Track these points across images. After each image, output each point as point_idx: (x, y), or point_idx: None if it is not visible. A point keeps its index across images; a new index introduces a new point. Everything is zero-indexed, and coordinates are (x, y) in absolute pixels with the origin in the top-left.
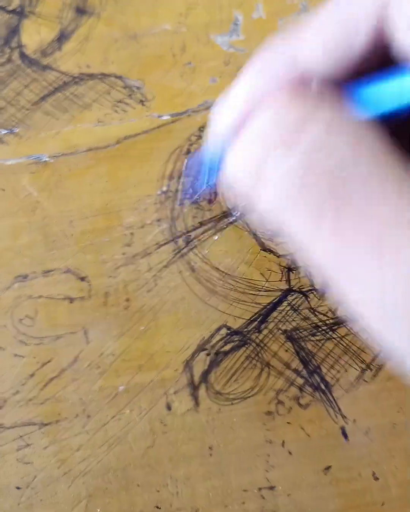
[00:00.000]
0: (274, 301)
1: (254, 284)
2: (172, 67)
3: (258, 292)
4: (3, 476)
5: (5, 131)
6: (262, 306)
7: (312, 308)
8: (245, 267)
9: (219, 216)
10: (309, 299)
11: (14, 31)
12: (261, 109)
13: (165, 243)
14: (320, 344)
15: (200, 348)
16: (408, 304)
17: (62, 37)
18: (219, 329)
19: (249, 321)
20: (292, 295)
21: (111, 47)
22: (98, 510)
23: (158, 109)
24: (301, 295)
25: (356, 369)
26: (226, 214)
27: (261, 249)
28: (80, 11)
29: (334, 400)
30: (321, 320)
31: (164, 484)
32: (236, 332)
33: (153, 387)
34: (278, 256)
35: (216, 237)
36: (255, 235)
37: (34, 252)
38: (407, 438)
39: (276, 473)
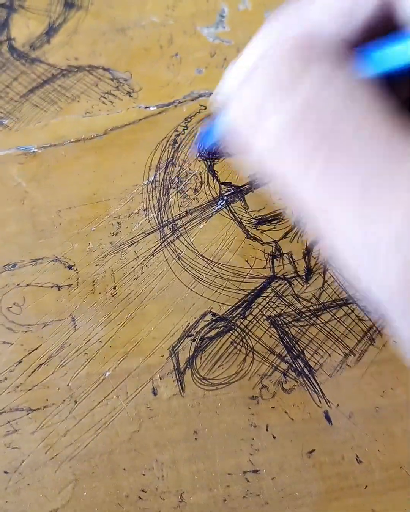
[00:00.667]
0: (258, 288)
1: (238, 271)
2: (159, 58)
3: (242, 279)
4: None
5: None
6: (246, 293)
7: (296, 294)
8: (230, 255)
9: (204, 205)
10: (292, 285)
11: (4, 24)
12: (264, 59)
13: (151, 232)
14: (304, 330)
15: (186, 334)
16: (390, 257)
17: (50, 30)
18: (204, 315)
19: (234, 307)
20: (276, 281)
21: (99, 39)
22: (85, 494)
23: (145, 100)
24: (285, 282)
25: (339, 354)
26: (212, 203)
27: (245, 237)
28: (69, 4)
29: (318, 384)
30: (304, 306)
31: (150, 468)
32: (221, 318)
33: (139, 372)
34: (263, 244)
35: (202, 226)
36: (240, 223)
37: (22, 241)
38: (390, 421)
39: (260, 456)
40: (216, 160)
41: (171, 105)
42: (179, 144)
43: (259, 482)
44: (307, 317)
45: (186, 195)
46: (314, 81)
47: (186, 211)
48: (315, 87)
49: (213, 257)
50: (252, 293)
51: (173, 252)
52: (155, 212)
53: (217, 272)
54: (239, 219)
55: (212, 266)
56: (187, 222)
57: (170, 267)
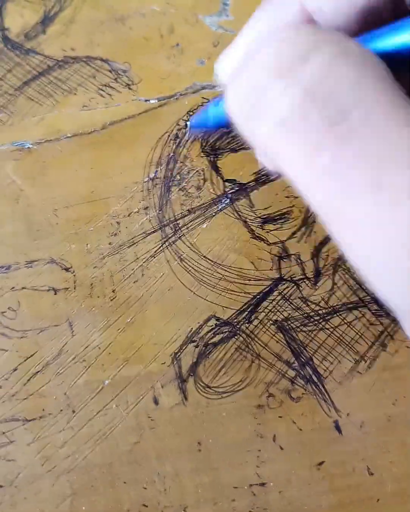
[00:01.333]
0: (264, 291)
1: (243, 273)
2: (159, 49)
3: (248, 281)
4: None
5: None
6: (252, 296)
7: (304, 298)
8: (234, 256)
9: (207, 203)
10: (300, 288)
11: None
12: (265, 42)
13: (152, 232)
14: (312, 335)
15: (189, 340)
16: (404, 247)
17: (46, 20)
18: (207, 320)
19: (239, 311)
20: (283, 284)
21: (97, 29)
22: (84, 508)
23: (145, 92)
24: (293, 284)
25: (349, 360)
26: (215, 201)
27: (251, 237)
28: None
29: (327, 393)
30: (313, 310)
31: (152, 481)
32: (225, 323)
33: (140, 380)
34: (269, 244)
35: (205, 225)
36: (245, 223)
37: (17, 241)
38: (402, 431)
39: (267, 468)
40: (219, 156)
41: (172, 98)
42: (181, 139)
43: (265, 495)
44: (316, 322)
45: (189, 193)
46: (320, 61)
47: (188, 209)
48: (322, 68)
49: (216, 258)
50: (258, 296)
51: (175, 253)
52: (156, 211)
53: (221, 274)
54: (243, 218)
55: (215, 268)
56: (190, 222)
57: (172, 269)
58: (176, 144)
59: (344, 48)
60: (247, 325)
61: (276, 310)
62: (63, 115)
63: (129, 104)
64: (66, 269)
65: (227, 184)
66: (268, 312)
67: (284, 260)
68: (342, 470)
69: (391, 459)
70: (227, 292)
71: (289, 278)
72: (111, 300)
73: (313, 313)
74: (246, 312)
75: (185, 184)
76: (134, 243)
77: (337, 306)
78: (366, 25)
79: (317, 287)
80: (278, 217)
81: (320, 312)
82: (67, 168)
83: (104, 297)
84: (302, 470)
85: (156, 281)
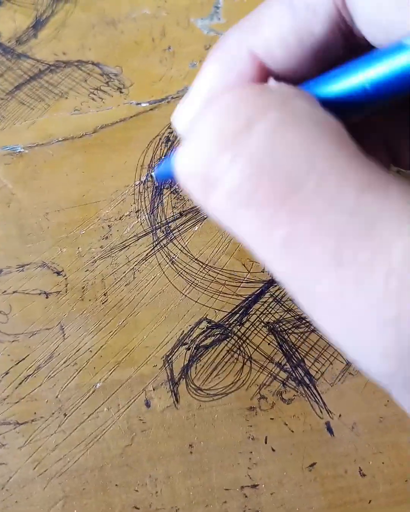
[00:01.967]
0: (256, 293)
1: (235, 275)
2: (151, 52)
3: (239, 283)
4: None
5: None
6: (243, 298)
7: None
8: (226, 258)
9: (199, 206)
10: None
11: None
12: (209, 108)
13: (143, 235)
14: (304, 337)
15: (180, 342)
16: (382, 327)
17: (37, 24)
18: (199, 322)
19: (230, 313)
20: (275, 286)
21: (88, 33)
22: (75, 511)
23: (137, 96)
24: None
25: (341, 361)
26: None
27: None
28: None
29: (319, 394)
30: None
31: (143, 484)
32: (217, 325)
33: (131, 383)
34: None
35: (196, 228)
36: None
37: (8, 245)
38: (394, 432)
39: (259, 470)
40: None
41: (164, 101)
42: (173, 142)
43: (257, 497)
44: (307, 323)
45: (180, 195)
46: (265, 130)
47: (180, 212)
48: (267, 137)
49: (208, 260)
50: (249, 299)
51: (166, 256)
52: (147, 214)
53: (213, 277)
54: None
55: (207, 271)
56: (181, 224)
57: (164, 272)
58: (168, 147)
59: (290, 110)
60: (238, 327)
61: (267, 312)
62: (55, 119)
63: (121, 108)
64: (58, 273)
65: None
66: (260, 314)
67: None
68: (334, 472)
69: (383, 460)
70: (218, 295)
71: None
72: (102, 303)
73: (305, 315)
74: (238, 315)
75: (177, 187)
76: (126, 246)
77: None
78: (323, 63)
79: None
80: None
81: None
82: (58, 172)
83: (96, 301)
84: (294, 472)
85: (148, 284)
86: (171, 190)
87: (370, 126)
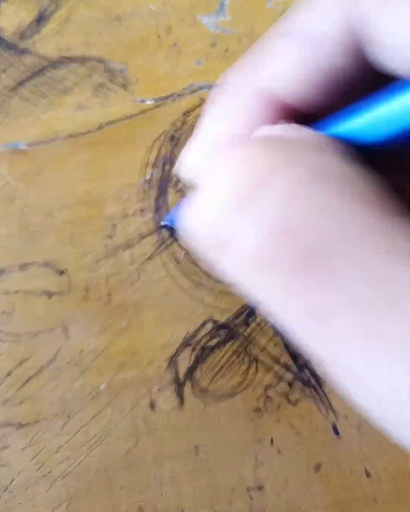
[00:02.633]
0: None
1: None
2: (156, 49)
3: None
4: None
5: None
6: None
7: None
8: None
9: None
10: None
11: None
12: (219, 162)
13: (149, 234)
14: None
15: (186, 343)
16: (407, 398)
17: (41, 19)
18: (204, 323)
19: (236, 314)
20: None
21: (93, 29)
22: None
23: (142, 93)
24: None
25: None
26: None
27: None
28: None
29: (325, 395)
30: None
31: (148, 485)
32: (222, 326)
33: (136, 385)
34: None
35: None
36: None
37: (11, 244)
38: None
39: (265, 471)
40: None
41: (169, 99)
42: (178, 140)
43: (263, 498)
44: None
45: (186, 194)
46: (284, 177)
47: None
48: (287, 185)
49: None
50: None
51: (172, 255)
52: (152, 212)
53: (218, 277)
54: None
55: (212, 271)
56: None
57: (169, 272)
58: (173, 145)
59: (311, 164)
60: (244, 328)
61: None
62: (59, 116)
63: (126, 105)
64: (61, 272)
65: None
66: (266, 315)
67: None
68: (339, 472)
69: (389, 459)
70: (224, 295)
71: None
72: (106, 303)
73: None
74: (244, 315)
75: (182, 185)
76: (130, 246)
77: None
78: (342, 95)
79: None
80: None
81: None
82: (62, 169)
83: (100, 301)
84: (300, 473)
85: (153, 285)
86: (177, 189)
87: None
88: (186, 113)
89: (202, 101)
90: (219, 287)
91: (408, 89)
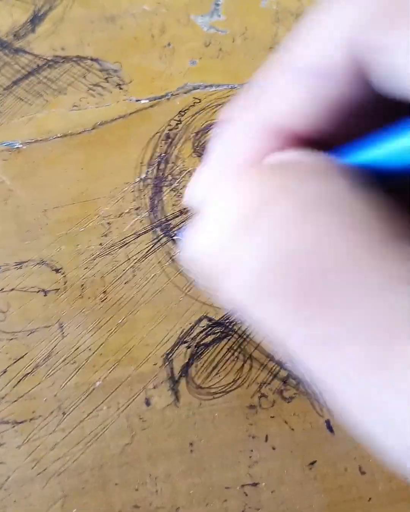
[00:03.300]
0: None
1: None
2: (151, 49)
3: None
4: None
5: None
6: None
7: None
8: None
9: None
10: None
11: None
12: (221, 191)
13: (143, 233)
14: None
15: (181, 340)
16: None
17: (35, 19)
18: (199, 320)
19: (231, 312)
20: None
21: (87, 28)
22: (75, 510)
23: (136, 92)
24: None
25: None
26: None
27: None
28: None
29: (319, 392)
30: None
31: (143, 482)
32: (217, 324)
33: (131, 382)
34: None
35: None
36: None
37: (6, 242)
38: None
39: (260, 469)
40: None
41: (164, 98)
42: (173, 139)
43: (258, 495)
44: None
45: (180, 193)
46: (282, 206)
47: (180, 210)
48: (284, 214)
49: None
50: None
51: (166, 253)
52: (147, 211)
53: None
54: None
55: None
56: (181, 222)
57: (164, 270)
58: (168, 144)
59: (310, 192)
60: (239, 325)
61: None
62: (53, 115)
63: (120, 104)
64: (57, 270)
65: None
66: None
67: None
68: (334, 470)
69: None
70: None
71: None
72: (102, 301)
73: None
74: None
75: (177, 184)
76: (126, 244)
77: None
78: (352, 125)
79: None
80: None
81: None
82: (57, 168)
83: (95, 298)
84: (294, 470)
85: (148, 282)
86: (171, 187)
87: None
88: (181, 112)
89: (197, 101)
90: None
91: None
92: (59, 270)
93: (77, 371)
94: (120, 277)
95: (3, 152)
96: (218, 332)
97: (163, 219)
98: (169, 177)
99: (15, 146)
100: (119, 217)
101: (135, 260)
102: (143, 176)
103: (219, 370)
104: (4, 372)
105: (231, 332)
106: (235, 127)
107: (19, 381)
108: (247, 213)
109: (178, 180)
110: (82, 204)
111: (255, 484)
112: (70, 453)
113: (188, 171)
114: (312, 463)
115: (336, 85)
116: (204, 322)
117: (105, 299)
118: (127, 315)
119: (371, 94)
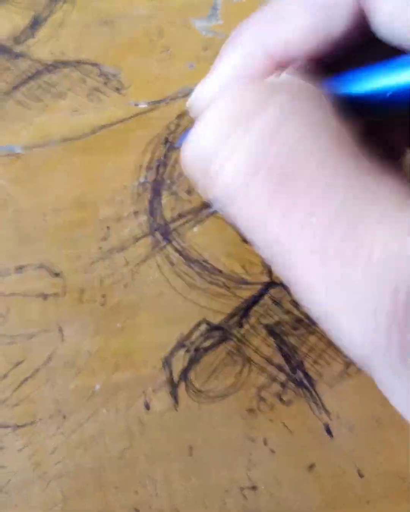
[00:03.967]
0: (255, 295)
1: (235, 277)
2: (149, 53)
3: (239, 285)
4: None
5: None
6: (243, 300)
7: (294, 301)
8: (225, 260)
9: (198, 208)
10: (290, 292)
11: None
12: (218, 99)
13: (142, 237)
14: (303, 339)
15: (180, 344)
16: (364, 302)
17: (35, 24)
18: (198, 324)
19: (230, 315)
20: (274, 287)
21: (86, 33)
22: None
23: (135, 96)
24: (283, 288)
25: (339, 363)
26: (206, 205)
27: (242, 241)
28: None
29: (318, 395)
30: (303, 314)
31: (143, 485)
32: (216, 327)
33: (131, 385)
34: None
35: (195, 229)
36: (235, 226)
37: (5, 247)
38: (391, 433)
39: (258, 471)
40: None
41: (162, 102)
42: (172, 143)
43: (256, 498)
44: (306, 325)
45: (179, 197)
46: (271, 115)
47: (179, 214)
48: (272, 121)
49: (207, 262)
50: (249, 300)
51: (165, 257)
52: (146, 215)
53: (212, 278)
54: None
55: (206, 272)
56: (180, 226)
57: (163, 274)
58: (167, 148)
59: (292, 106)
60: (238, 329)
61: (266, 314)
62: (53, 120)
63: (119, 108)
64: (56, 275)
65: None
66: (259, 316)
67: None
68: (332, 472)
69: (381, 460)
70: (218, 297)
71: (280, 282)
72: (101, 305)
73: (303, 317)
74: (237, 316)
75: (176, 188)
76: (125, 248)
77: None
78: (341, 62)
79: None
80: None
81: (310, 315)
82: (56, 172)
83: (95, 302)
84: (293, 473)
85: (147, 286)
86: (170, 191)
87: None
88: (180, 116)
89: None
90: (213, 289)
91: (395, 68)
92: (59, 274)
93: (77, 375)
94: (120, 281)
95: (2, 156)
96: (217, 336)
97: (162, 223)
98: (168, 181)
99: (15, 151)
100: (118, 221)
101: (135, 264)
102: (142, 180)
103: (217, 374)
104: (5, 376)
105: (229, 336)
106: (241, 45)
107: (19, 385)
108: (241, 115)
109: (177, 183)
110: (81, 208)
111: (253, 487)
112: (70, 456)
113: (187, 175)
114: (311, 466)
115: (340, 22)
116: (203, 326)
117: (104, 303)
118: (127, 319)
119: (370, 40)
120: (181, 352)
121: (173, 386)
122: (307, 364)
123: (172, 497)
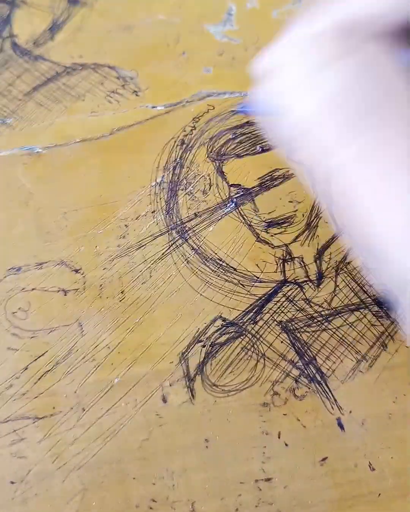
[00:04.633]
0: (269, 292)
1: (249, 275)
2: (166, 57)
3: (253, 283)
4: None
5: None
6: (257, 297)
7: (307, 299)
8: (240, 258)
9: (213, 207)
10: (304, 290)
11: (6, 21)
12: (317, 35)
13: (159, 235)
14: (316, 335)
15: (196, 340)
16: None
17: (54, 27)
18: (214, 320)
19: (244, 312)
20: (287, 286)
21: (105, 37)
22: (94, 504)
23: (152, 99)
24: (296, 286)
25: (351, 359)
26: (221, 205)
27: (256, 240)
28: (73, 1)
29: (330, 391)
30: (316, 311)
31: (160, 477)
32: (231, 324)
33: (148, 379)
34: (273, 247)
35: (211, 228)
36: (249, 226)
37: (27, 244)
38: (402, 428)
39: (272, 464)
40: (225, 162)
41: (179, 105)
42: (188, 145)
43: (271, 490)
44: (319, 322)
45: (195, 197)
46: (352, 65)
47: (195, 213)
48: (366, 63)
49: (222, 260)
50: (263, 298)
51: (182, 255)
52: (163, 214)
53: (227, 276)
54: (248, 222)
55: (221, 270)
56: (196, 225)
57: (179, 271)
58: (183, 149)
59: (379, 52)
60: (252, 325)
61: (280, 311)
62: (72, 121)
63: (137, 111)
64: (76, 271)
65: (232, 188)
66: (273, 313)
67: (288, 262)
68: (344, 466)
69: (392, 454)
70: (232, 294)
71: (293, 280)
72: (120, 301)
73: (316, 314)
74: (251, 313)
75: (192, 188)
76: (142, 246)
77: (339, 308)
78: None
79: (319, 289)
80: (282, 221)
81: (322, 313)
82: (76, 172)
83: (113, 298)
84: (306, 466)
85: (164, 283)
86: (186, 191)
87: None
88: (195, 118)
89: (210, 108)
90: (228, 286)
91: None
92: (79, 271)
93: (96, 368)
94: (138, 277)
95: (23, 156)
96: (232, 331)
97: (178, 222)
98: (184, 181)
99: (36, 151)
100: (136, 219)
101: (152, 262)
102: (159, 180)
103: (233, 369)
104: (26, 369)
105: (244, 332)
106: (315, 11)
107: (40, 378)
108: (321, 63)
109: (193, 184)
110: (100, 207)
111: (268, 479)
112: (89, 448)
113: (203, 176)
114: (324, 459)
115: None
116: (218, 322)
117: (123, 299)
118: (144, 314)
119: None
120: (198, 347)
121: (189, 380)
122: (319, 360)
123: (189, 488)
